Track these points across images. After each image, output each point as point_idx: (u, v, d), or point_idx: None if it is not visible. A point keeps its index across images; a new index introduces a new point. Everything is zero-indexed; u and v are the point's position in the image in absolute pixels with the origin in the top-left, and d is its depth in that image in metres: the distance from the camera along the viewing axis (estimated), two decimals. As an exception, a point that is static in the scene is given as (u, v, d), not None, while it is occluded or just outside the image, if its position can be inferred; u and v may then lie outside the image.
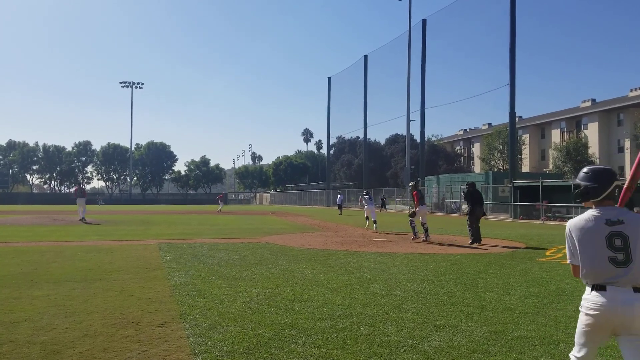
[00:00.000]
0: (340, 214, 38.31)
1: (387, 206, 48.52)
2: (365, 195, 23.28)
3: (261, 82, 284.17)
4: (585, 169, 3.23)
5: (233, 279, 8.55)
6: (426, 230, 16.04)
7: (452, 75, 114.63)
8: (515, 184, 33.42)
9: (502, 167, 61.97)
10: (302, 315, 6.01)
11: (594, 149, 57.98)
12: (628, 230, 2.94)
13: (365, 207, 22.66)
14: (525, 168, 66.22)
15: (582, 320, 3.04)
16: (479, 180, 42.92)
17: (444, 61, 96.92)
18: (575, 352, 3.11)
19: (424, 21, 50.35)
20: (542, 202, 29.01)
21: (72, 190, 26.64)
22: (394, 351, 4.73)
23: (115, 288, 7.76)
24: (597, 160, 56.96)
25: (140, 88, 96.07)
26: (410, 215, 16.52)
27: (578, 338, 3.09)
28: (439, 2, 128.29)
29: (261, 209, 62.00)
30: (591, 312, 2.97)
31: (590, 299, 2.99)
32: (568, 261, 3.18)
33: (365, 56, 62.46)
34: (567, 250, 3.16)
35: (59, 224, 24.61)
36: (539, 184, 30.09)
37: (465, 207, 16.44)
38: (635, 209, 26.28)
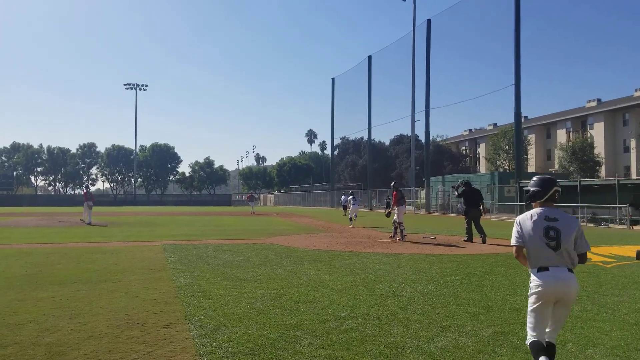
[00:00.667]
0: (345, 215, 38.27)
1: (405, 207, 48.14)
2: (350, 196, 26.35)
3: (265, 83, 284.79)
4: (534, 178, 4.14)
5: (238, 280, 8.54)
6: (401, 230, 16.36)
7: (457, 76, 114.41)
8: (521, 184, 33.31)
9: (507, 168, 61.79)
10: (307, 316, 5.99)
11: (599, 148, 57.72)
12: (561, 226, 3.88)
13: (351, 206, 25.32)
14: (531, 168, 66.00)
15: (532, 299, 3.88)
16: (485, 181, 42.78)
17: (449, 61, 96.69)
18: (529, 335, 3.90)
19: (429, 21, 50.21)
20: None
21: (83, 193, 26.35)
22: (400, 352, 4.71)
23: (120, 289, 7.76)
24: (603, 160, 56.73)
25: (145, 90, 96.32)
26: (386, 215, 17.15)
27: (530, 318, 3.90)
28: (443, 3, 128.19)
29: (265, 210, 62.04)
30: (539, 288, 3.81)
31: (536, 278, 3.85)
32: (512, 243, 4.03)
33: (369, 57, 62.31)
34: (513, 236, 4.02)
35: (63, 225, 24.67)
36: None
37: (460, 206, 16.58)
38: (641, 209, 26.13)
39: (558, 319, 3.92)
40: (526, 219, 4.01)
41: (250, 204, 44.64)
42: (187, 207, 72.00)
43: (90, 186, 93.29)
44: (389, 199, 17.96)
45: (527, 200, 4.18)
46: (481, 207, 16.26)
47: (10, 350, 4.75)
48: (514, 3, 38.45)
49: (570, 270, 3.86)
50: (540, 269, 3.85)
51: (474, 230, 15.77)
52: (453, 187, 16.94)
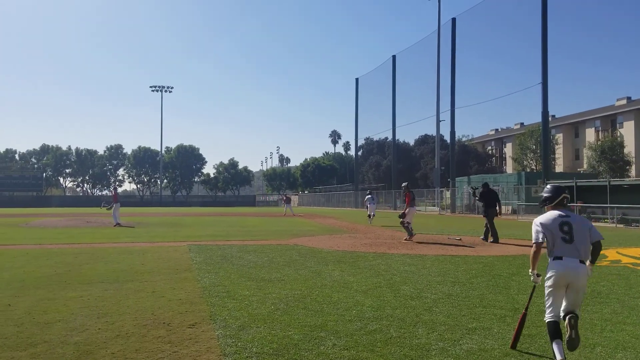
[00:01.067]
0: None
1: (416, 208, 47.88)
2: (368, 196, 29.03)
3: (289, 84, 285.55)
4: (547, 185, 5.12)
5: (262, 281, 8.58)
6: (408, 229, 16.48)
7: (482, 75, 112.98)
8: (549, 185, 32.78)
9: (535, 168, 60.94)
10: (331, 317, 5.98)
11: (630, 147, 56.51)
12: (572, 221, 4.67)
13: (369, 205, 28.06)
14: (559, 168, 65.01)
15: (547, 283, 4.61)
16: (511, 181, 42.26)
17: (474, 60, 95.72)
18: (547, 314, 4.62)
19: (454, 20, 49.75)
20: (576, 203, 28.43)
21: (112, 194, 26.02)
22: (425, 354, 4.67)
23: (146, 289, 7.85)
24: (634, 159, 55.56)
25: (170, 92, 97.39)
26: (400, 216, 17.21)
27: (546, 301, 4.67)
28: (468, 2, 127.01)
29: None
30: (553, 273, 4.57)
31: (551, 266, 4.61)
32: (534, 240, 4.70)
33: (394, 56, 61.97)
34: (535, 233, 4.72)
35: (91, 226, 25.09)
36: (573, 184, 29.48)
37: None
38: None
39: (573, 301, 4.59)
40: (544, 218, 4.80)
41: (287, 206, 43.48)
42: (212, 208, 72.55)
43: (117, 187, 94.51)
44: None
45: (540, 205, 5.09)
46: (497, 208, 16.41)
47: (40, 349, 4.84)
48: (540, 1, 37.89)
49: (581, 262, 4.57)
50: (556, 258, 4.60)
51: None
52: (473, 191, 17.08)
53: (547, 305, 4.65)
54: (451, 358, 4.56)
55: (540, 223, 4.76)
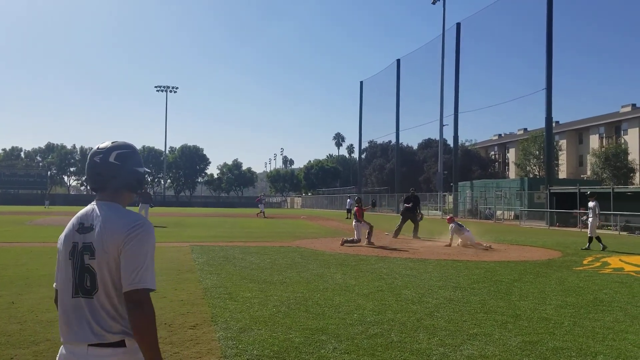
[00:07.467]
0: (348, 217, 38.68)
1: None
2: (348, 199, 33.29)
3: (293, 86, 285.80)
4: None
5: (264, 283, 8.59)
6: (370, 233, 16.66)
7: (486, 79, 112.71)
8: (551, 191, 32.72)
9: (538, 173, 60.77)
10: (332, 321, 5.99)
11: (634, 155, 56.27)
12: None
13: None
14: (562, 174, 64.79)
15: None
16: (514, 187, 42.14)
17: (479, 65, 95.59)
18: None
19: (458, 25, 49.74)
20: (579, 209, 28.36)
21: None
22: (425, 359, 4.67)
23: (148, 289, 7.86)
24: (638, 166, 55.36)
25: (175, 92, 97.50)
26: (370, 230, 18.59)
27: None
28: (473, 6, 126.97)
29: (292, 212, 62.18)
30: None
31: None
32: None
33: (398, 60, 61.97)
34: None
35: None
36: (577, 190, 29.40)
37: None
38: None
39: None
40: None
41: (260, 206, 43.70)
42: (215, 209, 72.57)
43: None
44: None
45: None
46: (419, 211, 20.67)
47: (42, 347, 4.86)
48: (545, 5, 37.80)
49: None
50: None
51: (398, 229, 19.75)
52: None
53: None
54: (452, 364, 4.56)
55: None
